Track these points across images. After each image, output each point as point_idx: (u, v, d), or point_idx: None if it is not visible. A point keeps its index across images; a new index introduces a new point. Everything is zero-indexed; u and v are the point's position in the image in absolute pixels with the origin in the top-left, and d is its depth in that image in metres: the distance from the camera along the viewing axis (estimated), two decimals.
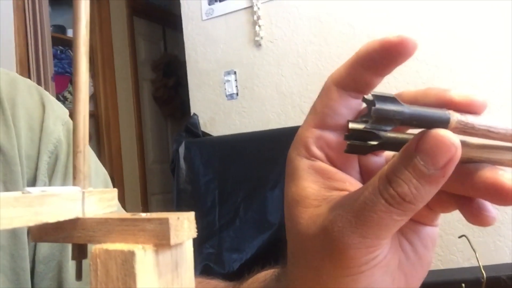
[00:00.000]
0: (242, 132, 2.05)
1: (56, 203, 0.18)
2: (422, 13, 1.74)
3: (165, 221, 0.18)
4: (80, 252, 0.21)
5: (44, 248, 0.43)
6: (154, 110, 3.71)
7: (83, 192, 0.20)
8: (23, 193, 0.17)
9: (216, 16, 2.16)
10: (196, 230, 0.20)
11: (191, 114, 2.21)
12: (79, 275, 0.21)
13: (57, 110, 0.49)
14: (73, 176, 0.21)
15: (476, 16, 1.65)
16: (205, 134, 2.16)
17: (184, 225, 0.20)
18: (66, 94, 3.09)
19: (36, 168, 0.44)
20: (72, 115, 0.22)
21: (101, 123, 3.21)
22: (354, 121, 0.23)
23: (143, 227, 0.19)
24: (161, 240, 0.19)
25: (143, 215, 0.19)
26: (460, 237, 0.62)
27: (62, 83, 3.07)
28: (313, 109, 0.27)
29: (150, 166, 3.57)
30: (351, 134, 0.23)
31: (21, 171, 0.43)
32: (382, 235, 0.23)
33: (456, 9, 1.68)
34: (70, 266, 0.43)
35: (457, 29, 1.68)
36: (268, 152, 1.88)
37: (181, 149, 2.07)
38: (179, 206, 1.99)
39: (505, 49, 1.60)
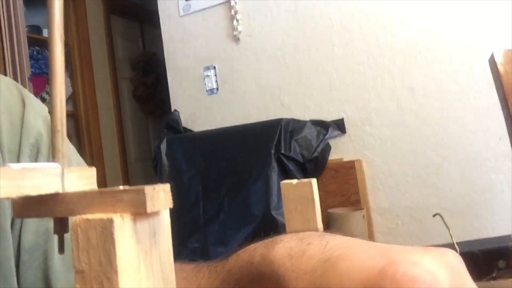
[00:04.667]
0: (223, 126, 2.06)
1: (37, 177, 0.20)
2: (399, 7, 1.77)
3: (142, 191, 0.20)
4: (61, 226, 0.22)
5: (29, 237, 0.43)
6: (134, 108, 3.69)
7: (62, 169, 0.21)
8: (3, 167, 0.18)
9: (194, 12, 2.16)
10: (171, 201, 0.22)
11: (172, 110, 2.20)
12: (61, 249, 0.22)
13: (37, 106, 0.49)
14: (52, 155, 0.22)
15: (455, 12, 1.69)
16: (186, 130, 2.16)
17: (160, 195, 0.21)
18: (44, 95, 3.04)
19: (18, 162, 0.45)
20: (50, 97, 0.23)
21: (81, 123, 3.18)
22: None
23: (120, 198, 0.20)
24: (138, 209, 0.20)
25: (121, 187, 0.21)
26: (434, 215, 0.65)
27: (40, 84, 3.02)
28: None
29: (133, 165, 3.56)
30: None
31: (3, 165, 0.43)
32: None
33: (434, 5, 1.71)
34: (56, 254, 0.44)
35: (435, 24, 1.72)
36: (250, 146, 1.90)
37: (163, 146, 2.07)
38: None
39: (480, 40, 1.64)
